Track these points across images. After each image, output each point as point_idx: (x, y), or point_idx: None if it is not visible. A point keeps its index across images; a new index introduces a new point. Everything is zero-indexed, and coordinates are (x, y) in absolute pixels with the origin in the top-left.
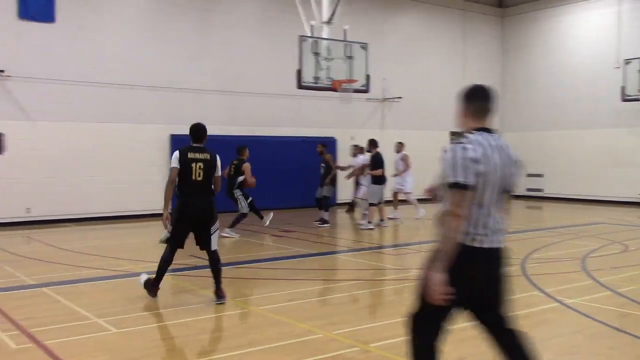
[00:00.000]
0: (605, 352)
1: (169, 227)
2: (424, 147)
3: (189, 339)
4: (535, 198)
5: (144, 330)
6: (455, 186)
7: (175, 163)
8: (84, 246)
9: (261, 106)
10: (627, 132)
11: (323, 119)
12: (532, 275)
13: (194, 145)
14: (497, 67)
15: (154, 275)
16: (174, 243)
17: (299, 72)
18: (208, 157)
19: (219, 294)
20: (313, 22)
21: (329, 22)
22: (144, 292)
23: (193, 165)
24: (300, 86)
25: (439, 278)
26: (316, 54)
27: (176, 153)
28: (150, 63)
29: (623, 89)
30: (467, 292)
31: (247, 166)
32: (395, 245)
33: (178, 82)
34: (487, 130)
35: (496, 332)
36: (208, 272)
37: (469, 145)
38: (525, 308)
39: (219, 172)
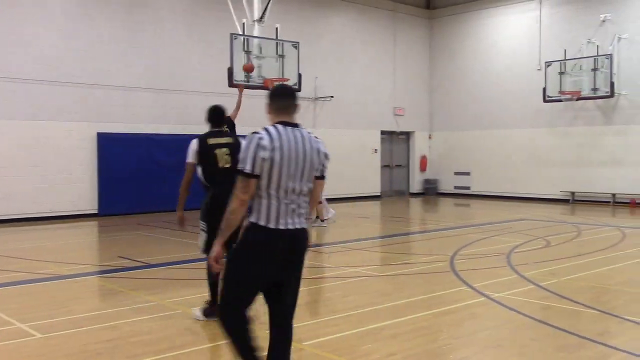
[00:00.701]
0: (528, 344)
1: (203, 225)
2: (354, 146)
3: (120, 342)
4: (463, 196)
5: (71, 334)
6: (242, 174)
7: (191, 157)
8: (6, 249)
9: (193, 104)
10: (548, 132)
11: (255, 117)
12: (460, 271)
13: (214, 130)
14: (425, 68)
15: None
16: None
17: (230, 70)
18: (231, 140)
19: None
20: (244, 20)
21: (260, 20)
22: (74, 295)
23: (217, 151)
24: (232, 84)
25: (217, 250)
26: (248, 52)
27: (193, 143)
28: (76, 59)
29: (544, 90)
30: (266, 270)
31: (233, 115)
32: (331, 244)
33: (106, 79)
34: (288, 124)
35: (276, 321)
36: (136, 273)
37: (262, 134)
38: (453, 303)
39: None
